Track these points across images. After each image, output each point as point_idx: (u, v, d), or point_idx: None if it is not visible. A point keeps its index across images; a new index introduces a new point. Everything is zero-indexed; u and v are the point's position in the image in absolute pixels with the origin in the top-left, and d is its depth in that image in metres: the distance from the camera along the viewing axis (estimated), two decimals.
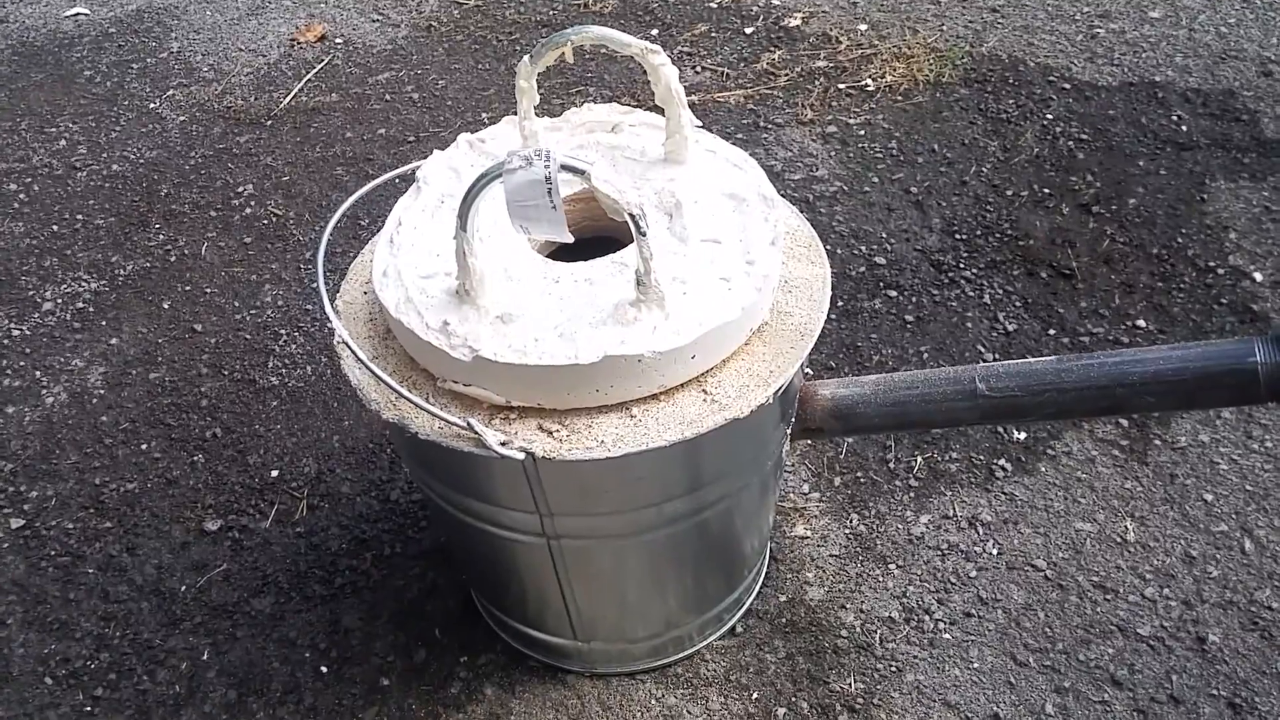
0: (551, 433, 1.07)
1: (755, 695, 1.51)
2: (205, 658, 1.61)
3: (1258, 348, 1.10)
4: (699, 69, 2.82)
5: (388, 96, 2.83)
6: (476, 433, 1.04)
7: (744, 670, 1.54)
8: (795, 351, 1.14)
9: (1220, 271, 2.09)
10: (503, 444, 1.05)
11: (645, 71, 1.20)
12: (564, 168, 0.97)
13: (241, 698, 1.56)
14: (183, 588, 1.71)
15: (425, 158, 1.32)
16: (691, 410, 1.08)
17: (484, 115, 2.71)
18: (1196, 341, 1.31)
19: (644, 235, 1.00)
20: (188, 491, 1.85)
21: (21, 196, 2.58)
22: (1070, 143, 2.44)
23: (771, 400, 1.10)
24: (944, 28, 2.87)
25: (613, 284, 1.11)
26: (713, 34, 2.95)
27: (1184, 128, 2.45)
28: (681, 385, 1.10)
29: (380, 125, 2.72)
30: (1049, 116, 2.52)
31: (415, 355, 1.15)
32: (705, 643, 1.56)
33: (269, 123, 2.77)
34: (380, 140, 2.66)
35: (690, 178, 1.24)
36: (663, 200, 1.21)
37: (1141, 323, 2.00)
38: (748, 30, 2.95)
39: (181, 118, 2.83)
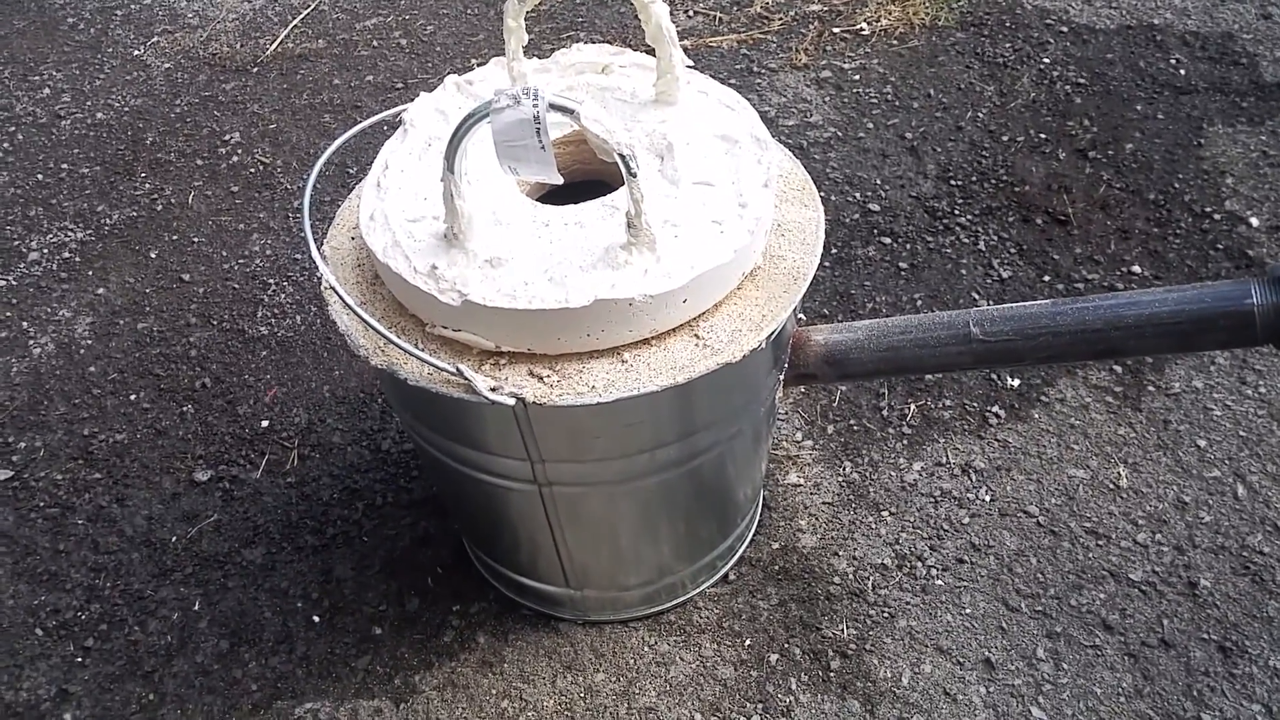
0: (542, 378, 1.06)
1: (748, 642, 1.51)
2: (197, 608, 1.61)
3: (1255, 289, 1.09)
4: (691, 13, 2.77)
5: (375, 43, 2.79)
6: (466, 378, 1.03)
7: (737, 617, 1.54)
8: (788, 295, 1.12)
9: (1216, 217, 2.07)
10: (493, 389, 1.04)
11: (637, 14, 1.17)
12: (553, 107, 0.95)
13: (234, 647, 1.56)
14: (173, 538, 1.70)
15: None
16: (683, 355, 1.07)
17: (473, 61, 2.67)
18: (1193, 284, 1.29)
19: (634, 176, 0.99)
20: (177, 442, 1.84)
21: (5, 145, 2.54)
22: (1067, 87, 2.41)
23: (764, 345, 1.09)
24: None
25: (603, 227, 1.10)
26: None
27: (1182, 71, 2.42)
28: (673, 330, 1.09)
29: (368, 72, 2.68)
30: (1046, 60, 2.49)
31: (404, 300, 1.13)
32: (698, 590, 1.56)
33: (255, 70, 2.73)
34: (368, 87, 2.62)
35: (682, 119, 1.22)
36: (654, 142, 1.18)
37: (1137, 269, 1.99)
38: None
39: (166, 65, 2.78)
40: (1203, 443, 1.71)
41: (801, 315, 1.91)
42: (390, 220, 1.12)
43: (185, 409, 1.89)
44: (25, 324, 2.08)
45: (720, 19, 2.73)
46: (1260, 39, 2.49)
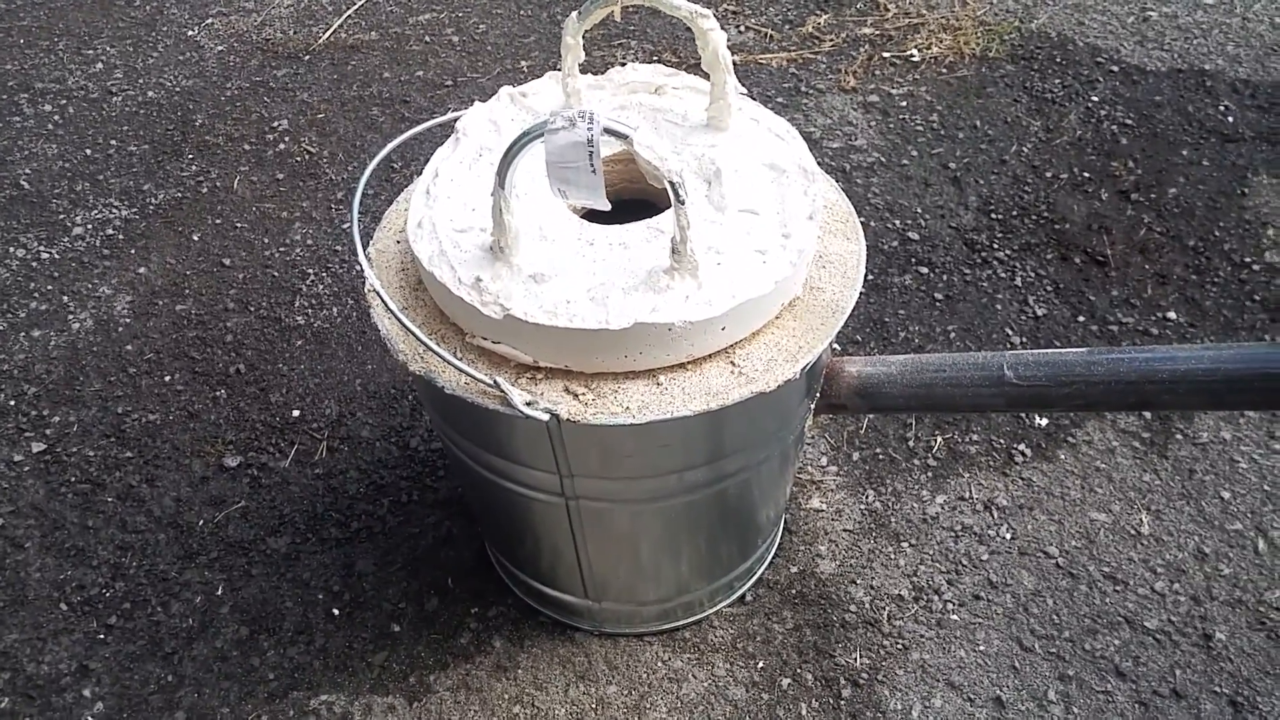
0: (577, 395, 1.07)
1: (761, 664, 1.52)
2: (219, 593, 1.63)
3: None
4: (742, 28, 2.78)
5: (427, 38, 2.81)
6: (503, 391, 1.05)
7: (751, 639, 1.55)
8: (825, 328, 1.13)
9: (1255, 268, 2.06)
10: (528, 404, 1.05)
11: (689, 29, 1.18)
12: (607, 131, 0.96)
13: (253, 635, 1.58)
14: (200, 522, 1.72)
15: (462, 103, 1.31)
16: (718, 381, 1.08)
17: (523, 63, 2.69)
18: (1229, 343, 1.29)
19: (683, 204, 1.00)
20: (209, 426, 1.87)
21: (56, 118, 2.58)
22: (1114, 127, 2.40)
23: (799, 376, 1.10)
24: (994, 1, 2.82)
25: (647, 250, 1.11)
26: None
27: (1230, 119, 2.41)
28: (710, 356, 1.10)
29: (418, 67, 2.70)
30: (1094, 99, 2.48)
31: (446, 309, 1.14)
32: (715, 609, 1.57)
33: (307, 58, 2.76)
34: (417, 82, 2.64)
35: (731, 145, 1.23)
36: (702, 167, 1.20)
37: (1172, 315, 1.98)
38: None
39: (219, 47, 2.81)
40: (1226, 495, 1.70)
41: (835, 345, 1.92)
42: (438, 229, 1.14)
43: (218, 393, 1.92)
44: (66, 298, 2.12)
45: (771, 36, 2.74)
46: None
